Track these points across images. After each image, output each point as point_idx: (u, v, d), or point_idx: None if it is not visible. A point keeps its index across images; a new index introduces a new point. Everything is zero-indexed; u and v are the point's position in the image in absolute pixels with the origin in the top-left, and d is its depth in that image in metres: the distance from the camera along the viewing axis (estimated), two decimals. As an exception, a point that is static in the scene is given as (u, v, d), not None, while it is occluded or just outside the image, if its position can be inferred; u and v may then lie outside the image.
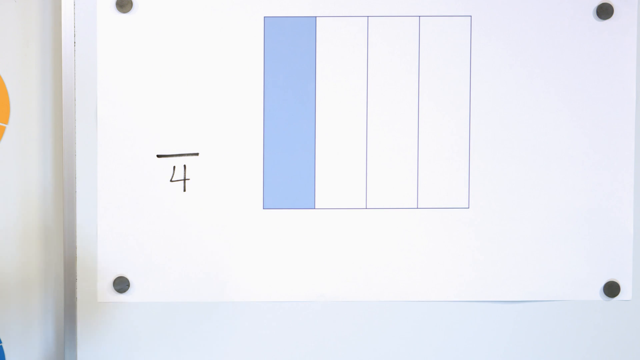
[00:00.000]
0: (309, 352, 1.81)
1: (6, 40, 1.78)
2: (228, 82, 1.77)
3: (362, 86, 1.78)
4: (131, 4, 1.75)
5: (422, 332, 1.82)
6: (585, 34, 1.78)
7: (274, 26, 1.77)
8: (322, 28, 1.77)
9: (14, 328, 1.81)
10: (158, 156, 1.77)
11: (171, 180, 1.78)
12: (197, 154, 1.78)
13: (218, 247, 1.79)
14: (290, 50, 1.77)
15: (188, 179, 1.78)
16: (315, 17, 1.77)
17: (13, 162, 1.80)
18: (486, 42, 1.78)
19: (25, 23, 1.78)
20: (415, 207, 1.80)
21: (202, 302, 1.80)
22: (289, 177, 1.79)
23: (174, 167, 1.78)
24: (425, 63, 1.78)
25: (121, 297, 1.79)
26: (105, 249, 1.78)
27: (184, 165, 1.78)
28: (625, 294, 1.82)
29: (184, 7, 1.76)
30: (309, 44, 1.77)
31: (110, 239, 1.78)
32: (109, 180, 1.77)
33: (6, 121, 1.80)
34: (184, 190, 1.78)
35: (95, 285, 1.78)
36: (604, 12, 1.77)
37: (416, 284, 1.80)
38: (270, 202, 1.79)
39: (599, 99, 1.79)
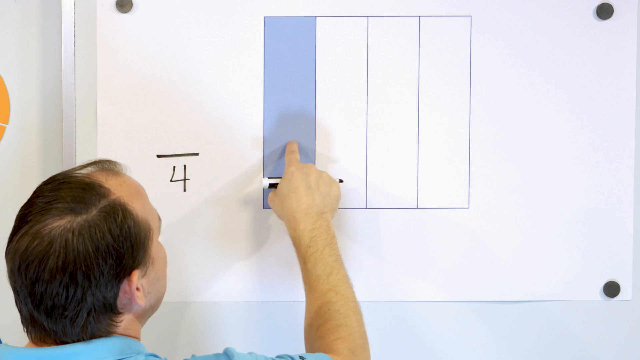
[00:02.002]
0: (309, 352, 1.81)
1: (6, 40, 1.78)
2: (228, 82, 1.77)
3: (362, 86, 1.78)
4: (131, 4, 1.75)
5: (422, 332, 1.82)
6: (585, 34, 1.78)
7: (274, 26, 1.77)
8: (322, 28, 1.77)
9: (14, 329, 1.81)
10: (158, 156, 1.77)
11: (171, 180, 1.78)
12: (197, 154, 1.77)
13: (218, 247, 1.78)
14: (290, 50, 1.77)
15: (188, 179, 1.78)
16: (315, 17, 1.77)
17: (13, 162, 1.80)
18: (486, 42, 1.78)
19: (25, 23, 1.78)
20: (415, 207, 1.80)
21: (202, 302, 1.80)
22: (289, 177, 1.78)
23: (174, 167, 1.78)
24: (425, 63, 1.78)
25: (121, 297, 1.79)
26: (105, 249, 1.78)
27: (184, 165, 1.78)
28: (625, 294, 1.81)
29: (184, 7, 1.76)
30: (309, 44, 1.77)
31: (110, 239, 1.77)
32: (109, 180, 1.77)
33: (6, 121, 1.80)
34: (184, 190, 1.78)
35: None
36: (604, 12, 1.77)
37: (416, 283, 1.80)
38: (270, 202, 1.79)
39: (599, 99, 1.79)
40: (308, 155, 1.78)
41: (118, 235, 1.31)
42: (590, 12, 1.77)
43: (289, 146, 1.75)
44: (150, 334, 1.78)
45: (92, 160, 1.42)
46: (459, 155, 1.79)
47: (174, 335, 1.79)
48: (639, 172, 1.80)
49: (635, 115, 1.79)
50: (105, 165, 1.41)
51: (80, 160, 1.76)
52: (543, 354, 1.82)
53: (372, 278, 1.80)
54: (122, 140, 1.77)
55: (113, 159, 1.75)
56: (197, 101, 1.77)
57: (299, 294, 1.79)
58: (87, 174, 1.38)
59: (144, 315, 1.40)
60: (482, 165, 1.79)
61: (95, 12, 1.75)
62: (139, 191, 1.40)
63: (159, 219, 1.43)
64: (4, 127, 1.80)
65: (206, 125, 1.77)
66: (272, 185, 1.71)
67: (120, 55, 1.76)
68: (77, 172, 1.38)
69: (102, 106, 1.77)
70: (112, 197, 1.34)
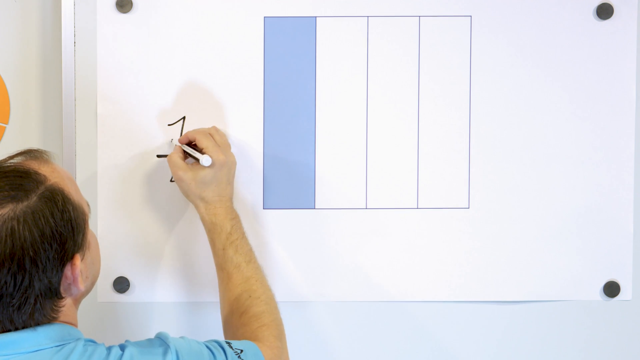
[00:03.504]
0: (309, 352, 1.81)
1: (6, 40, 1.78)
2: (228, 82, 1.77)
3: (362, 86, 1.78)
4: (131, 4, 1.75)
5: (421, 332, 1.82)
6: (585, 34, 1.78)
7: (274, 26, 1.77)
8: (322, 28, 1.77)
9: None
10: (158, 156, 1.77)
11: (171, 181, 1.78)
12: (197, 154, 1.77)
13: (218, 247, 1.78)
14: (290, 50, 1.77)
15: (188, 179, 1.78)
16: (315, 17, 1.77)
17: (13, 162, 1.80)
18: (486, 42, 1.78)
19: (25, 23, 1.78)
20: (415, 207, 1.80)
21: (202, 302, 1.80)
22: (289, 177, 1.79)
23: (174, 167, 1.78)
24: (425, 63, 1.78)
25: (121, 297, 1.79)
26: (105, 249, 1.78)
27: (184, 165, 1.78)
28: (625, 294, 1.82)
29: (184, 7, 1.76)
30: (309, 44, 1.77)
31: (110, 239, 1.78)
32: (109, 180, 1.77)
33: (6, 121, 1.80)
34: (184, 190, 1.78)
35: (95, 285, 1.78)
36: (604, 12, 1.77)
37: (416, 284, 1.80)
38: (270, 202, 1.79)
39: (599, 99, 1.79)
40: (307, 156, 1.78)
41: (60, 219, 1.34)
42: (590, 12, 1.77)
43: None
44: (152, 333, 1.79)
45: (20, 151, 1.43)
46: (459, 155, 1.79)
47: (174, 335, 1.79)
48: (639, 172, 1.80)
49: (635, 115, 1.79)
50: (34, 154, 1.43)
51: (80, 160, 1.76)
52: (543, 354, 1.82)
53: (372, 278, 1.80)
54: (122, 140, 1.77)
55: (113, 159, 1.77)
56: (197, 101, 1.77)
57: (300, 294, 1.80)
58: (19, 162, 1.40)
59: (79, 300, 1.43)
60: (482, 165, 1.79)
61: (95, 12, 1.75)
62: (69, 177, 1.43)
63: (87, 204, 1.45)
64: (4, 127, 1.80)
65: (206, 125, 1.77)
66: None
67: (120, 55, 1.76)
68: (6, 162, 1.40)
69: (102, 106, 1.77)
70: (49, 182, 1.36)
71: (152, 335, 1.79)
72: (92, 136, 1.77)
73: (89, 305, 1.78)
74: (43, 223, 1.32)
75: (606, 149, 1.79)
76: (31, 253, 1.31)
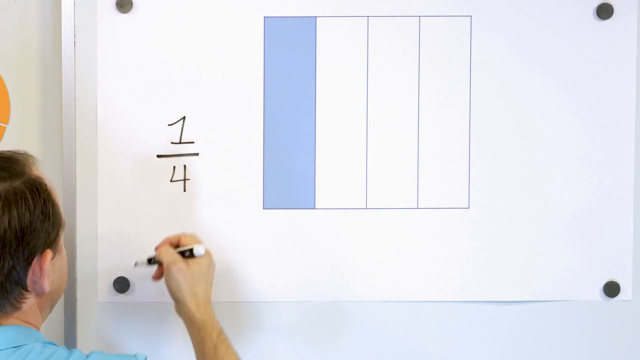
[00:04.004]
0: (309, 352, 1.81)
1: (6, 40, 1.78)
2: (228, 82, 1.77)
3: (362, 86, 1.78)
4: (131, 4, 1.75)
5: (421, 332, 1.82)
6: (585, 34, 1.78)
7: (274, 26, 1.77)
8: (322, 28, 1.77)
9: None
10: (158, 156, 1.77)
11: (171, 180, 1.78)
12: (197, 154, 1.78)
13: (218, 247, 1.78)
14: (290, 50, 1.77)
15: (188, 179, 1.78)
16: (315, 17, 1.77)
17: (13, 162, 1.80)
18: (486, 42, 1.78)
19: (25, 23, 1.78)
20: (415, 207, 1.80)
21: (202, 302, 1.80)
22: (289, 177, 1.79)
23: (174, 167, 1.78)
24: (425, 63, 1.78)
25: (121, 297, 1.79)
26: (105, 249, 1.78)
27: (184, 166, 1.78)
28: (625, 294, 1.82)
29: (184, 7, 1.76)
30: (309, 44, 1.77)
31: (110, 239, 1.78)
32: (109, 180, 1.77)
33: (6, 121, 1.80)
34: (184, 190, 1.78)
35: (95, 285, 1.78)
36: (604, 12, 1.77)
37: (416, 284, 1.80)
38: (270, 202, 1.79)
39: (599, 99, 1.79)
40: (307, 156, 1.78)
41: (41, 208, 1.36)
42: (590, 12, 1.77)
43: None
44: (152, 333, 1.79)
45: (10, 149, 1.45)
46: (459, 155, 1.79)
47: (174, 334, 1.79)
48: (639, 172, 1.80)
49: (635, 115, 1.79)
50: (24, 155, 1.44)
51: (80, 160, 1.76)
52: (543, 354, 1.82)
53: (372, 278, 1.80)
54: (122, 140, 1.77)
55: (113, 159, 1.77)
56: (197, 101, 1.77)
57: (299, 294, 1.80)
58: (10, 154, 1.42)
59: (43, 305, 1.43)
60: (482, 165, 1.79)
61: (95, 12, 1.75)
62: (54, 187, 1.44)
63: (64, 222, 1.45)
64: (4, 127, 1.80)
65: (206, 125, 1.77)
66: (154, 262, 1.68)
67: (120, 55, 1.76)
68: None
69: (102, 106, 1.77)
70: (36, 175, 1.39)
71: (150, 335, 1.80)
72: (92, 136, 1.77)
73: (89, 305, 1.78)
74: (23, 207, 1.34)
75: (606, 149, 1.79)
76: (2, 231, 1.32)
